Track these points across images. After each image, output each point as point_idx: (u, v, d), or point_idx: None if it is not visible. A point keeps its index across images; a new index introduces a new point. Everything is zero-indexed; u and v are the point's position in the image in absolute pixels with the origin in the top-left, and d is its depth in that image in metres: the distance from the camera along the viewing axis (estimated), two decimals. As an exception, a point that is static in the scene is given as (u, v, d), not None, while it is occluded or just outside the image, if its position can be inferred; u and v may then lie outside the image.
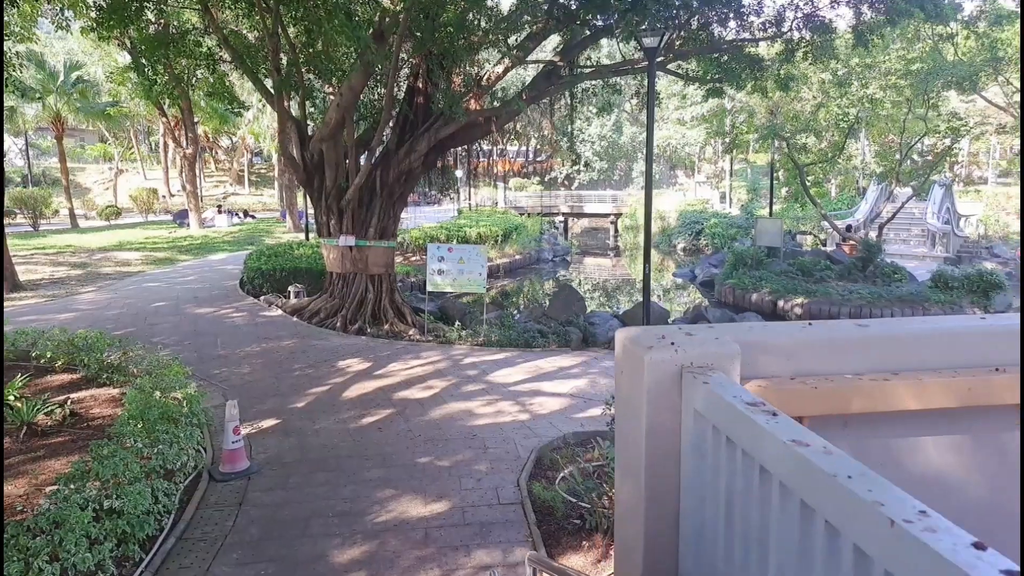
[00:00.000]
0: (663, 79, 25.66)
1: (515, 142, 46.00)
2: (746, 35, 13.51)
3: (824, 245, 27.61)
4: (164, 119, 33.35)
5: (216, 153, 58.92)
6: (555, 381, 9.37)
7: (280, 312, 13.84)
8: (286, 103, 12.91)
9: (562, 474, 5.98)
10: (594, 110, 18.10)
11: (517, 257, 27.75)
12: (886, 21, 12.64)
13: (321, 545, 5.06)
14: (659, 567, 2.23)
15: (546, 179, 55.60)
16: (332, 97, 13.26)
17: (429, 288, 12.78)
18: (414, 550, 4.99)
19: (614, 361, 2.37)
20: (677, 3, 11.44)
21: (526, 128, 36.51)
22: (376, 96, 14.12)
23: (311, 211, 17.39)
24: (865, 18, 12.84)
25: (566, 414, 7.95)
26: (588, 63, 15.60)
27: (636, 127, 52.80)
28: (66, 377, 8.22)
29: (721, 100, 25.83)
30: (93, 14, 12.32)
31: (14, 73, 15.40)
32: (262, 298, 15.16)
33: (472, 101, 12.93)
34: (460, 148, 15.54)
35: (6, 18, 15.68)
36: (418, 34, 11.33)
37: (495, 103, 14.35)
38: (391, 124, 13.30)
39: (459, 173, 23.76)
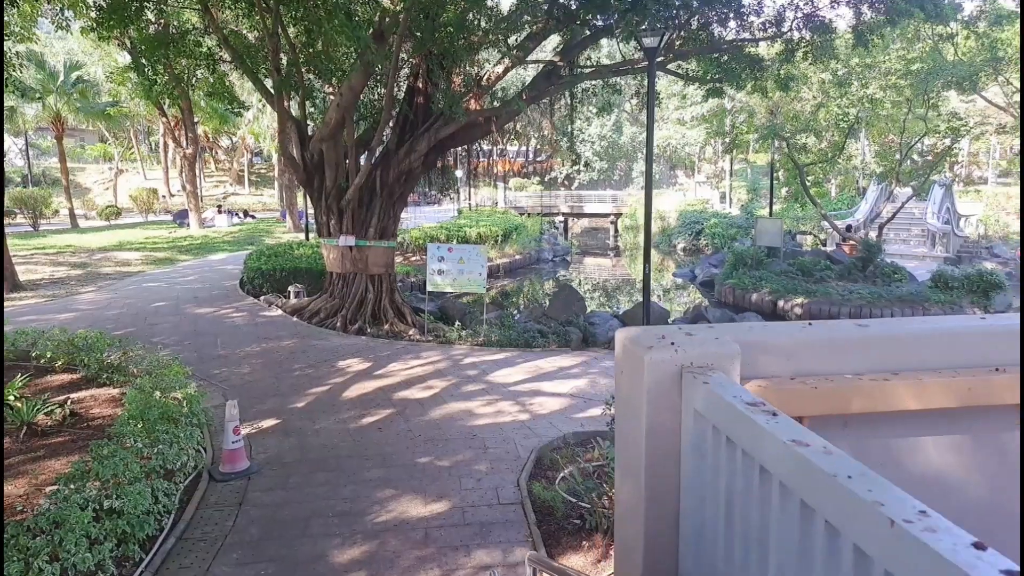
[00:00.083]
0: (663, 79, 25.66)
1: (515, 142, 45.99)
2: (746, 35, 13.51)
3: (824, 245, 27.59)
4: (164, 119, 33.35)
5: (216, 153, 58.91)
6: (555, 381, 9.37)
7: (280, 312, 13.84)
8: (286, 103, 12.92)
9: (562, 474, 5.98)
10: (594, 110, 18.10)
11: (517, 257, 27.75)
12: (886, 21, 12.65)
13: (321, 545, 5.06)
14: (659, 567, 2.23)
15: (546, 179, 55.58)
16: (332, 97, 13.26)
17: (429, 288, 12.79)
18: (414, 550, 4.99)
19: (614, 361, 2.37)
20: (677, 3, 11.44)
21: (526, 128, 36.51)
22: (376, 96, 14.12)
23: (311, 211, 17.39)
24: (865, 18, 12.85)
25: (566, 414, 7.95)
26: (588, 63, 15.59)
27: (636, 127, 52.78)
28: (66, 377, 8.22)
29: (721, 100, 25.82)
30: (93, 14, 12.32)
31: (14, 73, 15.40)
32: (262, 298, 15.16)
33: (472, 101, 12.93)
34: (460, 148, 15.54)
35: (6, 18, 15.68)
36: (418, 34, 11.33)
37: (495, 103, 14.35)
38: (391, 124, 13.30)
39: (459, 173, 23.77)
